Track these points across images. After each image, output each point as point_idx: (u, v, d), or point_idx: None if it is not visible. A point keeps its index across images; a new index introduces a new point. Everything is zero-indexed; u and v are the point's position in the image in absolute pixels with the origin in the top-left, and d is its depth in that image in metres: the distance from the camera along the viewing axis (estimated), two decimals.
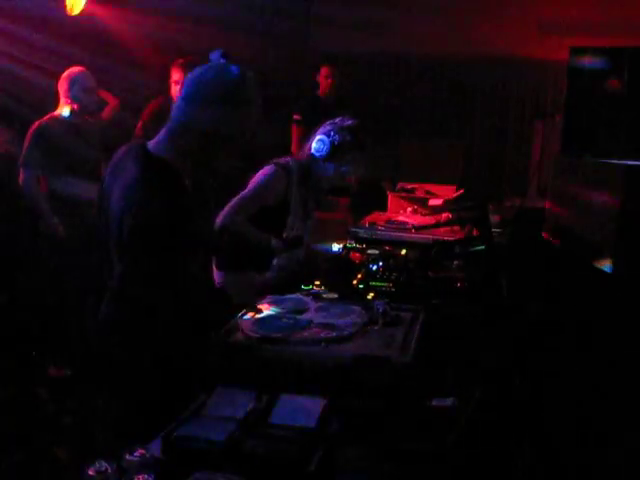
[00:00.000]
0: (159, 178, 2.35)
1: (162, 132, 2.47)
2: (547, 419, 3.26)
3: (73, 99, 4.86)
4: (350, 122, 3.75)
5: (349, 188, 6.39)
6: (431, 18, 7.81)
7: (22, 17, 5.61)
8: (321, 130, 3.74)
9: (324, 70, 6.76)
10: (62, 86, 4.87)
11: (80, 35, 5.94)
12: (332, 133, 3.67)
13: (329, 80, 6.74)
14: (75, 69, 4.90)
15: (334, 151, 3.66)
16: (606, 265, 4.69)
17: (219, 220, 3.49)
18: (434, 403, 2.26)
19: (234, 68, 2.40)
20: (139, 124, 5.46)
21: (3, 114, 5.57)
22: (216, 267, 3.74)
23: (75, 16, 6.03)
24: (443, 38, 7.78)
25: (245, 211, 3.57)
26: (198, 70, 2.42)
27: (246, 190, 3.63)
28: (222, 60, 2.43)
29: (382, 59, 8.49)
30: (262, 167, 3.73)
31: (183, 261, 2.45)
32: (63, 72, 4.91)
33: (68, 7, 6.00)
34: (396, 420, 2.19)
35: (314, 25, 8.56)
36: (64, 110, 4.93)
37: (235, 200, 3.58)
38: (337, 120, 3.77)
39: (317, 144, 3.69)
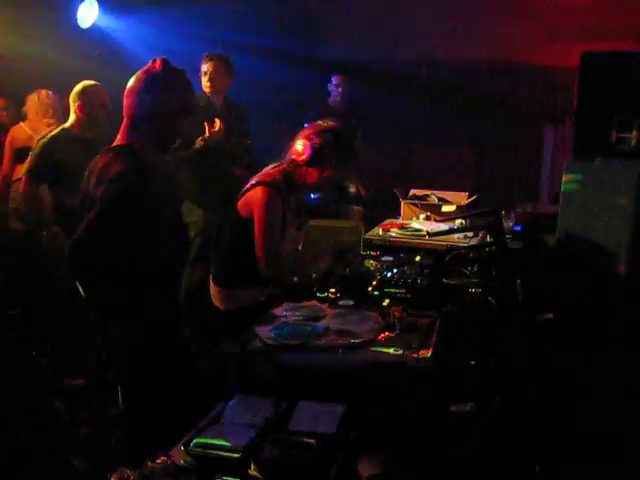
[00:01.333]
0: (124, 156, 2.90)
1: (120, 132, 3.04)
2: (565, 423, 3.26)
3: (84, 113, 4.86)
4: (331, 124, 3.62)
5: (361, 197, 6.45)
6: (441, 25, 7.81)
7: None
8: (302, 134, 3.60)
9: (335, 79, 6.78)
10: (74, 100, 4.88)
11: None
12: (312, 136, 3.54)
13: (340, 89, 6.76)
14: (87, 83, 4.91)
15: (316, 155, 3.52)
16: (620, 269, 4.68)
17: (265, 270, 3.44)
18: (453, 409, 2.27)
19: (160, 62, 2.96)
20: None
21: None
22: (214, 283, 3.72)
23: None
24: (453, 44, 7.78)
25: (277, 249, 3.50)
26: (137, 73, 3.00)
27: (261, 227, 3.47)
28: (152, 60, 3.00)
29: (392, 67, 8.49)
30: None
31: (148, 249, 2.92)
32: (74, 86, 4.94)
33: (79, 20, 6.05)
34: (415, 426, 2.19)
35: (325, 34, 8.58)
36: (74, 123, 4.93)
37: (263, 244, 3.45)
38: (318, 122, 3.65)
39: (299, 148, 3.55)
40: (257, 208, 3.48)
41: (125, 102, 2.98)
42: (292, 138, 3.64)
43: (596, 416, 3.58)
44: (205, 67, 5.62)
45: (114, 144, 3.03)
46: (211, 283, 3.71)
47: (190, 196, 5.56)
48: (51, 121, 5.61)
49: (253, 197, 3.51)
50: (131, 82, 2.98)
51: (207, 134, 5.30)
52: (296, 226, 3.72)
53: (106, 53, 6.15)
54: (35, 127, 5.71)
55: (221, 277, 3.67)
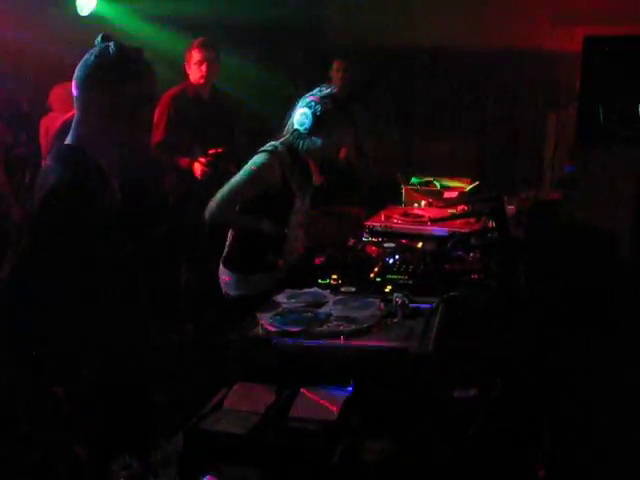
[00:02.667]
0: (67, 162, 2.46)
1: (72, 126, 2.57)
2: (567, 408, 3.25)
3: None
4: (330, 90, 3.62)
5: (361, 183, 6.42)
6: (444, 11, 7.76)
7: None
8: (301, 103, 3.59)
9: (337, 64, 6.75)
10: None
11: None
12: (313, 104, 3.54)
13: (340, 74, 6.72)
14: None
15: (318, 122, 3.52)
16: (623, 253, 4.68)
17: (206, 214, 3.51)
18: (456, 395, 2.26)
19: (113, 47, 2.49)
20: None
21: None
22: (224, 265, 3.73)
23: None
24: (456, 31, 7.73)
25: (232, 203, 3.55)
26: (83, 59, 2.52)
27: (233, 180, 3.56)
28: (103, 43, 2.53)
29: (395, 53, 8.45)
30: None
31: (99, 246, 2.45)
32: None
33: (79, 8, 6.01)
34: (418, 412, 2.18)
35: (329, 20, 8.54)
36: None
37: (221, 193, 3.52)
38: (316, 90, 3.63)
39: (300, 118, 3.54)
40: (248, 165, 3.55)
41: (74, 94, 2.54)
42: (292, 109, 3.64)
43: (599, 403, 3.58)
44: (199, 55, 5.45)
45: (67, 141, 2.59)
46: (221, 268, 3.73)
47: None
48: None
49: (252, 160, 3.58)
50: (79, 70, 2.51)
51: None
52: (303, 199, 3.75)
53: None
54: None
55: (231, 262, 3.70)
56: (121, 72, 2.49)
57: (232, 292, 3.71)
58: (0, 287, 2.38)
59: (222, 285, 3.76)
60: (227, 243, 3.78)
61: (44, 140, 5.69)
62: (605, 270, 4.66)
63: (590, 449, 3.31)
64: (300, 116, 3.55)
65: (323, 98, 3.56)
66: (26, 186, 6.02)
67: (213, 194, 3.57)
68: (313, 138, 3.56)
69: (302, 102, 3.60)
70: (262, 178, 3.55)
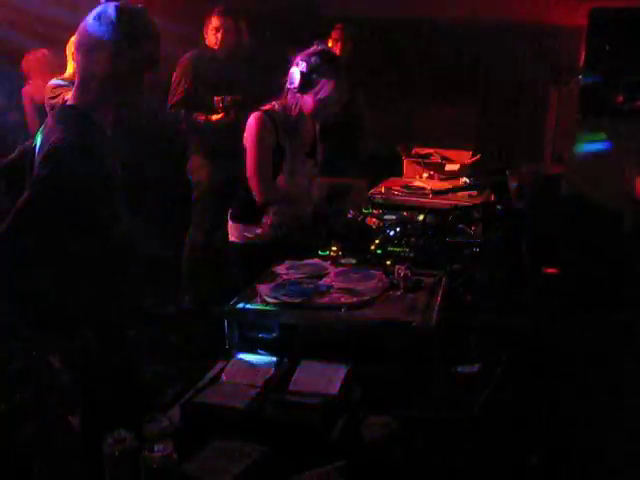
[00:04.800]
0: (69, 122, 2.41)
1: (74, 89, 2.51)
2: (567, 385, 3.22)
3: None
4: (316, 47, 3.58)
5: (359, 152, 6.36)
6: None
7: None
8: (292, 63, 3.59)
9: (335, 33, 6.66)
10: (70, 49, 4.80)
11: None
12: (299, 62, 3.51)
13: (339, 43, 6.64)
14: None
15: (306, 79, 3.49)
16: (625, 227, 4.64)
17: (258, 198, 3.53)
18: (459, 370, 2.22)
19: (113, 9, 2.39)
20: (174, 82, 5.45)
21: None
22: (231, 219, 3.73)
23: None
24: (457, 3, 7.65)
25: (269, 176, 3.55)
26: (84, 21, 2.44)
27: (250, 156, 3.55)
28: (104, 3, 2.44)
29: (395, 25, 8.36)
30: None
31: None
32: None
33: None
34: (420, 387, 2.14)
35: None
36: (71, 72, 4.86)
37: (252, 173, 3.53)
38: (304, 50, 3.59)
39: (290, 76, 3.53)
40: (248, 134, 3.54)
41: (75, 57, 2.50)
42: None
43: (602, 381, 3.55)
44: (216, 22, 5.53)
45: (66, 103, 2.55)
46: (229, 220, 3.76)
47: (198, 152, 5.51)
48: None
49: (247, 125, 3.56)
50: (78, 33, 2.46)
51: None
52: (302, 160, 3.71)
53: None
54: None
55: (237, 212, 3.73)
56: (121, 33, 2.39)
57: (235, 240, 3.73)
58: None
59: (229, 235, 3.80)
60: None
61: (30, 109, 5.65)
62: (607, 245, 4.62)
63: (591, 430, 3.28)
64: (290, 75, 3.54)
65: (310, 55, 3.53)
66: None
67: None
68: (305, 95, 3.53)
69: (292, 62, 3.59)
70: (262, 139, 3.53)
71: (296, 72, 3.49)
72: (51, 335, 2.46)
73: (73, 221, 2.34)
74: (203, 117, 5.33)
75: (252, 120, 3.54)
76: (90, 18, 2.42)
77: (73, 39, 4.75)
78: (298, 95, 3.53)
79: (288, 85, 3.54)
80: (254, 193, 3.53)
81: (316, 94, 3.51)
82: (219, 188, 5.31)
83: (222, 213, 3.98)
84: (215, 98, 5.24)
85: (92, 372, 2.50)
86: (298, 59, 3.52)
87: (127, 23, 2.41)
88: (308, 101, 3.53)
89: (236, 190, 3.79)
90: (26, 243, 2.30)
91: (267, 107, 3.59)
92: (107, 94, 2.46)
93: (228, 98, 5.23)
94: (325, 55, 3.55)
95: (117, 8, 2.39)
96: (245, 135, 3.57)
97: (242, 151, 3.62)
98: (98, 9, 2.42)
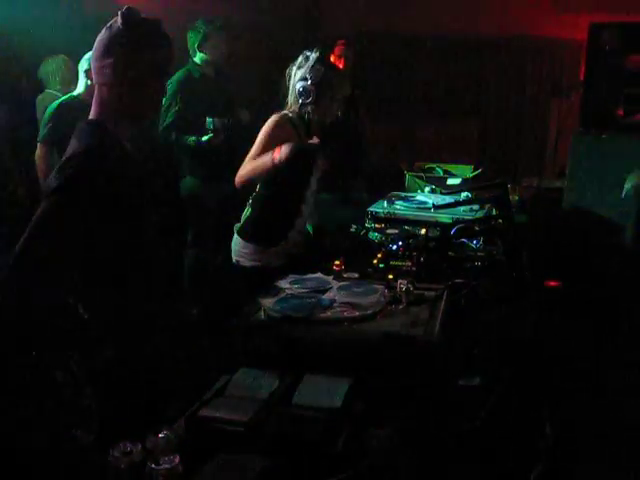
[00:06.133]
0: (87, 137, 2.42)
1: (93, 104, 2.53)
2: (570, 396, 3.23)
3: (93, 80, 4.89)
4: (313, 54, 3.64)
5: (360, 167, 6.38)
6: None
7: None
8: (294, 77, 3.66)
9: (338, 49, 6.69)
10: (83, 66, 4.88)
11: None
12: (308, 75, 3.58)
13: (343, 59, 6.67)
14: None
15: (319, 89, 3.58)
16: (626, 241, 4.65)
17: (236, 181, 3.60)
18: (461, 383, 2.23)
19: (120, 18, 2.42)
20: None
21: None
22: (238, 235, 3.79)
23: None
24: (459, 17, 7.68)
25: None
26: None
27: (256, 147, 3.61)
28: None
29: (397, 39, 8.40)
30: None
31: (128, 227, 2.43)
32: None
33: None
34: (422, 400, 2.16)
35: (327, 6, 8.48)
36: (83, 90, 4.94)
37: (247, 159, 3.59)
38: (302, 61, 3.66)
39: (301, 92, 3.60)
40: (264, 129, 3.61)
41: (91, 67, 2.53)
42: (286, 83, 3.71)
43: (604, 390, 3.56)
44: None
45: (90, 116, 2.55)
46: (235, 238, 3.79)
47: (192, 171, 5.53)
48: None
49: (267, 123, 3.63)
50: (95, 43, 2.48)
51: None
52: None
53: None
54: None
55: (245, 233, 3.76)
56: (129, 40, 2.42)
57: (243, 261, 3.76)
58: (14, 255, 2.27)
59: (233, 254, 3.82)
60: (243, 214, 3.82)
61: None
62: (608, 258, 4.64)
63: (593, 442, 3.29)
64: (301, 90, 3.60)
65: (313, 65, 3.60)
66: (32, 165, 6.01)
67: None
68: (321, 105, 3.63)
69: (295, 73, 3.66)
70: (275, 136, 3.57)
71: (307, 86, 3.58)
72: (71, 349, 2.47)
73: (91, 230, 2.31)
74: (194, 138, 5.32)
75: (270, 121, 3.61)
76: (104, 28, 2.46)
77: (86, 56, 4.86)
78: (312, 106, 3.61)
79: (301, 101, 3.61)
80: (237, 179, 3.59)
81: (330, 99, 3.63)
82: (213, 208, 5.34)
83: (219, 232, 4.00)
84: (206, 120, 5.26)
85: (110, 385, 2.51)
86: (303, 73, 3.60)
87: (135, 30, 2.43)
88: (322, 107, 3.63)
89: (239, 209, 3.82)
90: (44, 254, 2.27)
91: (283, 112, 3.66)
92: (121, 104, 2.47)
93: (217, 120, 5.25)
94: (323, 59, 3.65)
95: (125, 16, 2.42)
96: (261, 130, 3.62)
97: (234, 171, 3.66)
98: (113, 19, 2.46)
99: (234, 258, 3.81)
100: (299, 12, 8.03)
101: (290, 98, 3.70)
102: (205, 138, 5.26)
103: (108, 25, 2.45)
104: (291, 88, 3.68)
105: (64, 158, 2.38)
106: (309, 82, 3.57)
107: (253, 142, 3.62)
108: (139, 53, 2.43)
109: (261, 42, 7.03)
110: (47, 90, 5.76)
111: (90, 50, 2.53)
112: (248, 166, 3.58)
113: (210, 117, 5.25)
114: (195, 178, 5.53)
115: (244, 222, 3.81)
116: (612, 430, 3.41)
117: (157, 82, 2.54)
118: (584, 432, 3.24)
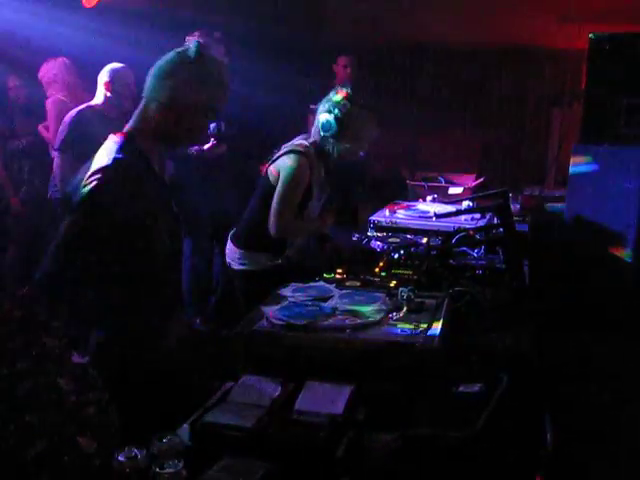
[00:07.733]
0: (117, 150, 2.46)
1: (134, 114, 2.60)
2: (569, 402, 3.25)
3: (111, 92, 4.94)
4: (342, 91, 3.66)
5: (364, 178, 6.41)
6: (448, 8, 7.74)
7: None
8: (320, 110, 3.67)
9: (342, 60, 6.74)
10: (103, 78, 4.95)
11: None
12: (332, 108, 3.60)
13: (347, 70, 6.72)
14: (116, 64, 5.00)
15: (342, 124, 3.58)
16: (626, 253, 4.66)
17: (273, 230, 3.59)
18: (461, 389, 2.26)
19: (194, 48, 2.52)
20: None
21: None
22: (233, 243, 3.81)
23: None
24: (460, 27, 7.72)
25: (292, 214, 3.63)
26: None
27: (282, 189, 3.60)
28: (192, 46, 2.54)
29: (398, 49, 8.44)
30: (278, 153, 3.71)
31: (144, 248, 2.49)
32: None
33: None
34: (423, 406, 2.18)
35: (329, 16, 8.52)
36: (101, 101, 5.00)
37: (277, 204, 3.58)
38: (330, 95, 3.68)
39: (324, 124, 3.61)
40: (284, 172, 3.59)
41: (146, 81, 2.58)
42: (312, 112, 3.82)
43: (604, 399, 3.58)
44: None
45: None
46: (230, 244, 3.84)
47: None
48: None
49: (283, 163, 3.61)
50: (159, 61, 2.55)
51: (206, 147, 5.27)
52: (320, 198, 3.83)
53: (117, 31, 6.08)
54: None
55: (241, 239, 3.80)
56: (197, 74, 2.51)
57: (236, 266, 3.81)
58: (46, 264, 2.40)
59: (227, 258, 3.88)
60: (241, 221, 3.87)
61: (54, 125, 5.61)
62: (609, 268, 4.65)
63: (592, 448, 3.31)
64: (324, 123, 3.61)
65: (339, 101, 3.61)
66: (26, 177, 6.07)
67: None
68: (343, 142, 3.63)
69: (322, 106, 3.67)
70: (302, 181, 3.63)
71: (330, 119, 3.58)
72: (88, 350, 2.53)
73: (115, 238, 2.39)
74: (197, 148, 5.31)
75: (294, 162, 3.59)
76: (174, 50, 2.56)
77: (106, 68, 4.92)
78: (334, 141, 3.63)
79: (322, 132, 3.62)
80: (271, 226, 3.58)
81: (354, 140, 3.64)
82: (206, 217, 5.36)
83: (216, 241, 4.02)
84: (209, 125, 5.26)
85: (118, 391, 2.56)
86: (327, 106, 3.63)
87: (204, 65, 2.53)
88: (347, 147, 3.64)
89: (233, 219, 3.85)
90: (74, 261, 2.38)
91: (302, 148, 3.65)
92: (163, 126, 2.53)
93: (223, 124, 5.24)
94: (354, 98, 3.63)
95: (199, 48, 2.52)
96: (279, 169, 3.62)
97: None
98: (185, 45, 2.56)
99: (227, 262, 3.88)
100: (301, 22, 8.06)
101: (314, 129, 3.72)
102: (207, 146, 5.26)
103: (179, 50, 2.54)
104: (316, 120, 3.69)
105: (91, 170, 2.43)
106: (332, 115, 3.59)
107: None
108: (200, 86, 2.51)
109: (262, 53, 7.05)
110: (56, 95, 5.80)
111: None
112: (295, 226, 3.69)
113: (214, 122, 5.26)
114: (189, 187, 5.53)
115: (238, 227, 3.86)
116: (611, 430, 3.42)
117: (204, 119, 2.62)
118: (584, 433, 3.26)
